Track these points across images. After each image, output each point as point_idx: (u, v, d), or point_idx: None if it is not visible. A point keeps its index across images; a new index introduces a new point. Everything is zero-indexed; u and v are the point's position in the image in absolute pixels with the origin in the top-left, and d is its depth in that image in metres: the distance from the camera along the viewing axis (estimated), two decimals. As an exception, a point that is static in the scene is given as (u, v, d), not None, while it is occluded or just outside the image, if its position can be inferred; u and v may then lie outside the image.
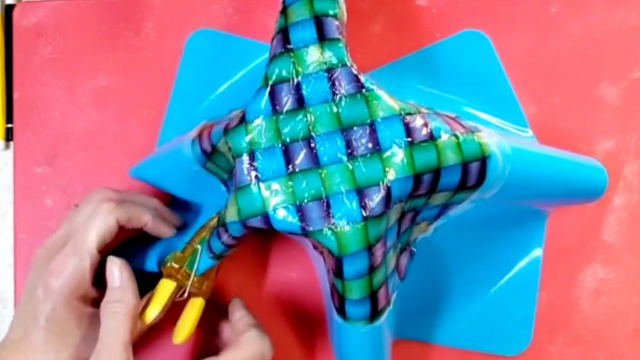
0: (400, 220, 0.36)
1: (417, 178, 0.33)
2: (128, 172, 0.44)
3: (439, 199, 0.36)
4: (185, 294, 0.38)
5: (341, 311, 0.36)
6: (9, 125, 0.48)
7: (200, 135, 0.37)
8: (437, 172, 0.33)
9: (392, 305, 0.37)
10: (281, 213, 0.33)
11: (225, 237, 0.36)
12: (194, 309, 0.39)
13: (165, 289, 0.38)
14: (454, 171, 0.34)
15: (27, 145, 0.47)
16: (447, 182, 0.34)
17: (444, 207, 0.38)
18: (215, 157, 0.37)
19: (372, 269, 0.34)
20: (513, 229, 0.42)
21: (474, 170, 0.34)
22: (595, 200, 0.42)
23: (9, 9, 0.49)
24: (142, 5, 0.47)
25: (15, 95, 0.48)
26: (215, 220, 0.39)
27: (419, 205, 0.36)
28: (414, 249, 0.40)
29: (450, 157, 0.33)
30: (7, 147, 0.48)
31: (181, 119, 0.46)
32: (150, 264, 0.40)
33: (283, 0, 0.36)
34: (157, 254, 0.40)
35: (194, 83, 0.46)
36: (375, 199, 0.33)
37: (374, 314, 0.36)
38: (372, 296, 0.35)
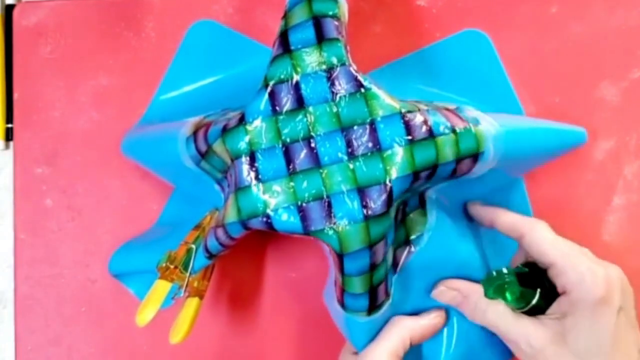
0: (396, 215, 0.36)
1: (415, 175, 0.33)
2: (121, 150, 0.44)
3: (424, 186, 0.36)
4: (182, 294, 0.38)
5: (341, 302, 0.36)
6: (9, 125, 0.48)
7: (195, 134, 0.37)
8: (434, 168, 0.34)
9: (391, 298, 0.37)
10: (282, 213, 0.33)
11: (223, 238, 0.36)
12: (191, 308, 0.39)
13: (161, 289, 0.38)
14: (448, 165, 0.34)
15: (27, 145, 0.47)
16: (440, 174, 0.35)
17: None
18: (209, 157, 0.37)
19: (373, 266, 0.34)
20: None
21: (466, 164, 0.35)
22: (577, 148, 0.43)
23: (9, 9, 0.49)
24: (142, 5, 0.47)
25: (15, 95, 0.48)
26: (209, 218, 0.39)
27: (407, 196, 0.37)
28: (414, 248, 0.40)
29: (448, 154, 0.34)
30: (7, 147, 0.48)
31: (169, 99, 0.46)
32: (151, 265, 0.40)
33: (286, 5, 0.36)
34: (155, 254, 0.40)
35: (187, 68, 0.46)
36: (376, 198, 0.33)
37: (372, 307, 0.36)
38: (372, 291, 0.35)
